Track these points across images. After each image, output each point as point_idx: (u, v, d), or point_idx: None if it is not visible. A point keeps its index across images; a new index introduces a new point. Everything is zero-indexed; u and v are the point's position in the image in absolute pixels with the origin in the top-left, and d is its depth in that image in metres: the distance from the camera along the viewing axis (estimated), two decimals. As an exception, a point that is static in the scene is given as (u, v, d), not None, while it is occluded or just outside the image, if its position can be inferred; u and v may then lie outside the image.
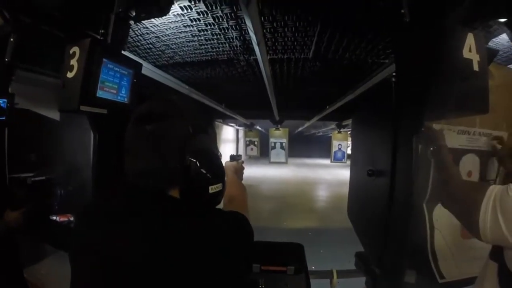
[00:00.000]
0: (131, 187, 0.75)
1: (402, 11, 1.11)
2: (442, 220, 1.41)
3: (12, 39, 1.58)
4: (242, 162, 1.47)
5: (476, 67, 0.98)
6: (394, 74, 1.30)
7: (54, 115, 1.84)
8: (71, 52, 1.19)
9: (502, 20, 1.29)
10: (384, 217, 1.33)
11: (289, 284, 1.38)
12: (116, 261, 0.65)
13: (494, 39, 1.69)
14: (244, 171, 1.50)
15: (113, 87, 1.27)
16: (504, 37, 1.67)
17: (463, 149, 1.41)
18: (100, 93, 1.21)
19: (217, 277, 0.67)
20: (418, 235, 1.36)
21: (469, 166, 1.45)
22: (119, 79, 1.30)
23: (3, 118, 1.72)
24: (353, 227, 1.88)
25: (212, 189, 0.77)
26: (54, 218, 1.53)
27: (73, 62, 1.18)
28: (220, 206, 0.93)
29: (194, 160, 0.73)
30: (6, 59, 1.63)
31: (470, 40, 0.97)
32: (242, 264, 0.75)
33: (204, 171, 0.74)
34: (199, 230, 0.68)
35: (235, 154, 1.46)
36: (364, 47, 2.08)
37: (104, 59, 1.21)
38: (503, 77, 1.43)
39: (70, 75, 1.18)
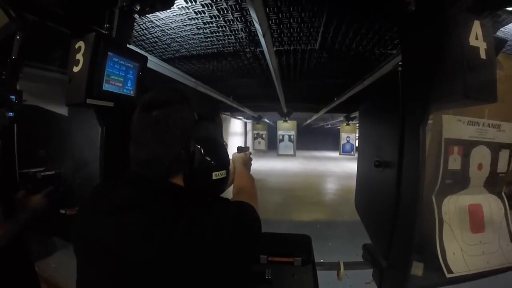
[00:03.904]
0: (134, 177, 0.74)
1: (408, -1, 1.09)
2: (451, 213, 1.40)
3: (18, 37, 1.60)
4: (250, 153, 1.48)
5: (483, 55, 0.95)
6: (400, 63, 1.29)
7: (62, 110, 1.86)
8: (76, 46, 1.20)
9: (510, 8, 1.26)
10: (392, 209, 1.32)
11: (296, 275, 1.38)
12: (118, 254, 0.64)
13: (502, 29, 1.65)
14: (252, 163, 1.50)
15: (118, 80, 1.28)
16: (512, 26, 1.63)
17: (473, 141, 1.39)
18: (106, 86, 1.22)
19: (220, 269, 0.66)
20: (426, 228, 1.35)
21: (479, 159, 1.43)
22: (124, 72, 1.31)
23: (12, 115, 1.74)
24: (360, 219, 1.87)
25: (216, 175, 0.77)
26: (63, 211, 1.55)
27: (79, 56, 1.19)
28: (230, 197, 0.93)
29: (199, 147, 0.73)
30: (13, 57, 1.65)
31: (476, 27, 0.95)
32: (245, 255, 0.74)
33: (208, 158, 0.75)
34: (202, 221, 0.67)
35: (242, 146, 1.47)
36: (371, 37, 2.06)
37: (109, 53, 1.22)
38: (512, 68, 1.39)
39: (76, 69, 1.19)
